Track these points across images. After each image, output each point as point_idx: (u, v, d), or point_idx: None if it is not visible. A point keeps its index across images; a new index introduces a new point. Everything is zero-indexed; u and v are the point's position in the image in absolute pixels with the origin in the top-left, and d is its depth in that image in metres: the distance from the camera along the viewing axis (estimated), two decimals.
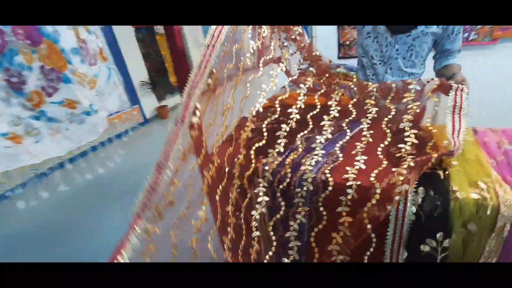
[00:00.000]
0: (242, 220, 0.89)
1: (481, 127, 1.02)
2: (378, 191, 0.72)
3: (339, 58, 2.94)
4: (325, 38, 2.87)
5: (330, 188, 0.79)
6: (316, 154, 0.91)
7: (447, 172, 0.78)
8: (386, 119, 0.99)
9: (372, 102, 1.06)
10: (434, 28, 1.15)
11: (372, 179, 0.77)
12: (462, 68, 1.23)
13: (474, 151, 0.87)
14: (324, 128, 1.02)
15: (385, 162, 0.83)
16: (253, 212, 0.88)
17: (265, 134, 1.01)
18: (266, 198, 0.88)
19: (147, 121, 4.63)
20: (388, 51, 1.25)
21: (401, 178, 0.70)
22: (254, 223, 0.88)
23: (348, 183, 0.77)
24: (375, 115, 1.03)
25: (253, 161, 0.92)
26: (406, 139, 0.88)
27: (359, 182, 0.76)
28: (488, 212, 0.69)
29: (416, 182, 0.73)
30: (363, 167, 0.83)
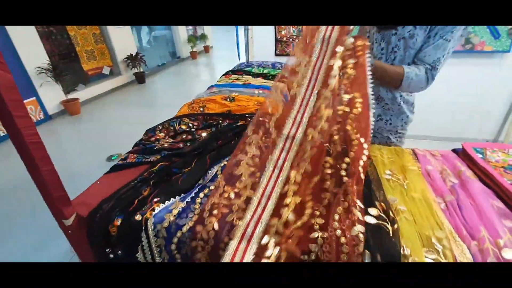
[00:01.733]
0: None
1: (420, 149, 0.91)
2: None
3: (276, 55, 2.75)
4: (261, 34, 2.64)
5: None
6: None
7: (396, 226, 0.59)
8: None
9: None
10: (423, 32, 0.89)
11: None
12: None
13: (420, 186, 0.72)
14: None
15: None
16: None
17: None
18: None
19: (50, 118, 3.73)
20: (375, 48, 1.03)
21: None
22: None
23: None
24: None
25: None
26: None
27: None
28: None
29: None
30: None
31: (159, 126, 1.08)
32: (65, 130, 3.57)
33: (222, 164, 0.82)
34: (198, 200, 0.69)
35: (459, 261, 0.53)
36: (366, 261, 0.55)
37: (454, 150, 0.89)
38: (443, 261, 0.53)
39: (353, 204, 0.61)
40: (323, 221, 0.61)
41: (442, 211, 0.65)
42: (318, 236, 0.59)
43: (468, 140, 2.65)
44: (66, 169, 2.58)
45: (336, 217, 0.61)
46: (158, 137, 1.03)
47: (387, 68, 0.92)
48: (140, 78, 5.41)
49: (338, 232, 0.58)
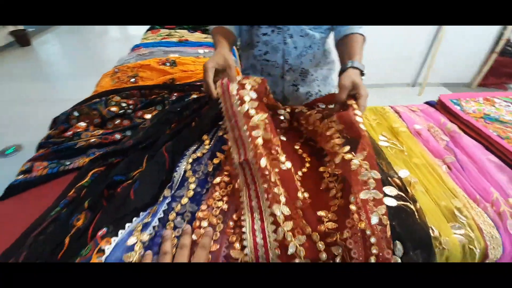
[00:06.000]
0: None
1: (398, 106, 0.85)
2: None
3: None
4: None
5: None
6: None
7: (418, 205, 0.52)
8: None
9: None
10: None
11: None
12: None
13: (418, 150, 0.67)
14: None
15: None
16: None
17: None
18: None
19: None
20: (298, 51, 0.82)
21: None
22: None
23: None
24: None
25: None
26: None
27: None
28: (476, 259, 0.49)
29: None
30: None
31: (74, 112, 0.73)
32: (17, 63, 2.49)
33: (190, 160, 0.60)
34: (171, 225, 0.48)
35: (484, 230, 0.50)
36: (398, 253, 0.46)
37: (428, 103, 0.87)
38: (471, 234, 0.49)
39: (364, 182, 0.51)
40: (336, 225, 0.49)
41: (447, 174, 0.61)
42: (336, 238, 0.47)
43: (393, 85, 2.93)
44: None
45: (354, 208, 0.49)
46: (78, 129, 0.70)
47: (362, 54, 0.73)
48: (22, 39, 4.09)
49: (363, 224, 0.47)
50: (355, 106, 0.60)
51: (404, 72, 2.83)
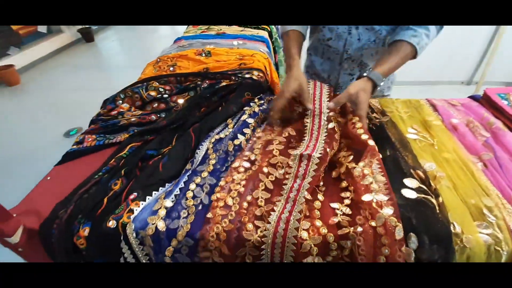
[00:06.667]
0: None
1: (436, 99, 0.79)
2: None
3: None
4: None
5: None
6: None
7: (441, 199, 0.49)
8: None
9: None
10: None
11: None
12: None
13: (451, 144, 0.62)
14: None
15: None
16: None
17: None
18: None
19: None
20: (365, 44, 0.82)
21: None
22: None
23: None
24: None
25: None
26: None
27: None
28: (502, 261, 0.45)
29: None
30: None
31: (120, 95, 0.84)
32: (4, 104, 3.02)
33: (212, 140, 0.65)
34: (190, 194, 0.53)
35: None
36: (412, 245, 0.45)
37: (472, 97, 0.80)
38: (499, 235, 0.45)
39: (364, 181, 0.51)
40: (349, 218, 0.49)
41: (482, 172, 0.56)
42: (349, 231, 0.47)
43: (445, 83, 2.66)
44: (10, 156, 2.20)
45: (362, 207, 0.49)
46: (122, 109, 0.80)
47: (393, 65, 0.70)
48: (87, 36, 4.62)
49: (373, 223, 0.47)
50: (355, 120, 0.64)
51: (458, 70, 2.55)
